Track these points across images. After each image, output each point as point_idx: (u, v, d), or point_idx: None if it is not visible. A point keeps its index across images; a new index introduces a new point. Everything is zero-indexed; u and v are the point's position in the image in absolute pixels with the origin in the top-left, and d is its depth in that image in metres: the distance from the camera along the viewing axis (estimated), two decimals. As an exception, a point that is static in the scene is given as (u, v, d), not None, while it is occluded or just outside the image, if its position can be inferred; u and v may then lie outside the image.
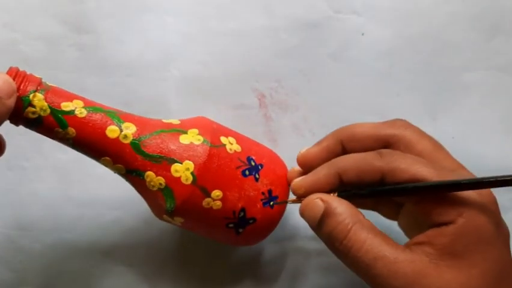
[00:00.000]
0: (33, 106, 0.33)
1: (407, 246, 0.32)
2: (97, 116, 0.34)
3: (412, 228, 0.36)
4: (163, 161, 0.35)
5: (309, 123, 0.47)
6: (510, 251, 0.33)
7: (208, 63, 0.47)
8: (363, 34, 0.47)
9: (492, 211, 0.32)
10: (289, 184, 0.38)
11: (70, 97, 0.34)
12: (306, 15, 0.47)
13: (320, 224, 0.34)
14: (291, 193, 0.38)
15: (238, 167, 0.36)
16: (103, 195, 0.45)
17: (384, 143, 0.36)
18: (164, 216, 0.37)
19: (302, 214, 0.35)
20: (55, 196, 0.46)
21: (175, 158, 0.35)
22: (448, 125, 0.46)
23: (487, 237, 0.31)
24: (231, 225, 0.37)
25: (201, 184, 0.35)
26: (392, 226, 0.38)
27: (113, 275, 0.45)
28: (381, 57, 0.47)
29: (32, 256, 0.45)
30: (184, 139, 0.36)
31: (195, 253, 0.45)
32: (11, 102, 0.32)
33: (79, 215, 0.45)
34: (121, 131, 0.35)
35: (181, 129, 0.36)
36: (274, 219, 0.38)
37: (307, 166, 0.37)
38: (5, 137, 0.35)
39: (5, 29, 0.47)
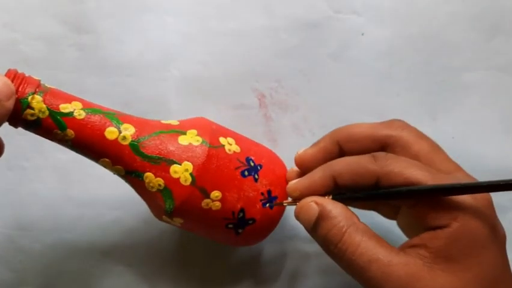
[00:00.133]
0: (32, 108, 0.33)
1: (402, 249, 0.33)
2: (95, 118, 0.34)
3: (411, 228, 0.36)
4: (162, 162, 0.35)
5: (309, 123, 0.47)
6: (506, 254, 0.33)
7: (208, 63, 0.47)
8: (363, 34, 0.47)
9: (487, 215, 0.32)
10: (288, 184, 0.38)
11: (69, 99, 0.34)
12: (306, 15, 0.47)
13: (315, 226, 0.34)
14: (289, 194, 0.38)
15: (237, 168, 0.36)
16: (103, 195, 0.45)
17: (382, 144, 0.36)
18: (164, 217, 0.37)
19: (297, 217, 0.35)
20: (55, 196, 0.46)
21: (174, 159, 0.35)
22: (448, 125, 0.46)
23: (482, 241, 0.31)
24: (230, 225, 0.37)
25: (200, 185, 0.35)
26: (392, 226, 0.38)
27: (113, 275, 0.45)
28: (381, 57, 0.47)
29: (32, 256, 0.45)
30: (183, 140, 0.36)
31: (194, 253, 0.45)
32: (9, 104, 0.31)
33: (79, 215, 0.46)
34: (120, 132, 0.35)
35: (180, 130, 0.36)
36: (274, 220, 0.38)
37: (304, 167, 0.37)
38: (4, 137, 0.35)
39: (5, 29, 0.47)
